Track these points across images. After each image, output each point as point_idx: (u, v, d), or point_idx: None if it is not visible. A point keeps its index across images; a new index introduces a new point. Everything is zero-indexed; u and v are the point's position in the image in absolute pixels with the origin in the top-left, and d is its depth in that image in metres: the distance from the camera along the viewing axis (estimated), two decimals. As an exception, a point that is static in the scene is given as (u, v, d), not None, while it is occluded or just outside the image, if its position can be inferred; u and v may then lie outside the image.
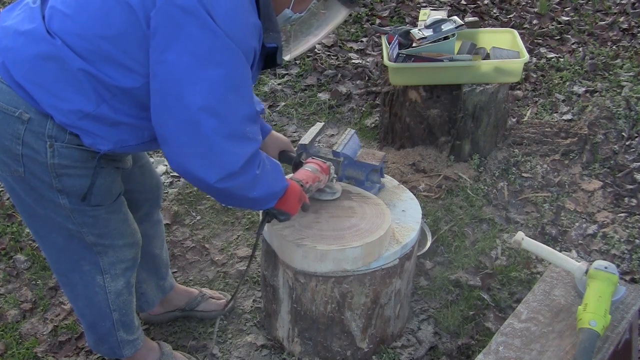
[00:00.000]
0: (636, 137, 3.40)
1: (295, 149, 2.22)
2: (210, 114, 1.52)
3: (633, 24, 4.69)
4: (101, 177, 1.70)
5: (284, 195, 1.79)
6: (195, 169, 1.57)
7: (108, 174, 1.74)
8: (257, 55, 1.63)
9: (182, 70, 1.48)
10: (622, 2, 5.00)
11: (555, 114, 3.66)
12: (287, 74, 4.10)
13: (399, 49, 3.04)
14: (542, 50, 4.37)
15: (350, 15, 4.51)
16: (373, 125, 3.62)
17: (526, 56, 3.04)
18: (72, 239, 1.80)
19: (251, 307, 2.50)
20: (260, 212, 1.92)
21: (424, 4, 4.78)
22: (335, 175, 2.12)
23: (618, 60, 4.20)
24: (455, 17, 3.12)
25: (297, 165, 2.13)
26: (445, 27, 3.03)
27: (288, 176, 1.93)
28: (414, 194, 2.33)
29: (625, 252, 2.72)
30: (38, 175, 1.65)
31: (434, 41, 3.01)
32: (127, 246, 1.90)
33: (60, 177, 1.65)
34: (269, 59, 1.70)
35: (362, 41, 4.47)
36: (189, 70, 1.48)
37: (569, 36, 4.56)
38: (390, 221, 2.06)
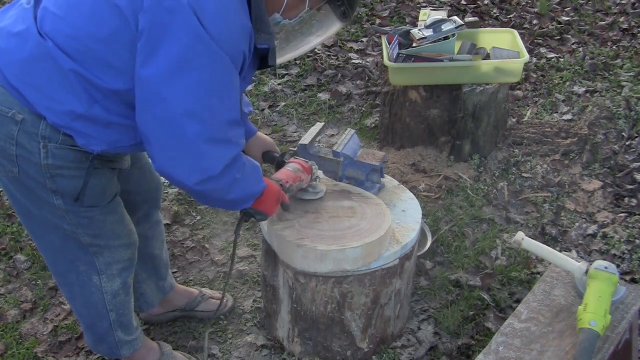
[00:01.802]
0: (636, 137, 3.40)
1: (294, 149, 2.22)
2: (193, 119, 1.51)
3: (633, 24, 4.69)
4: (95, 177, 1.70)
5: (261, 196, 1.79)
6: (175, 170, 1.58)
7: (103, 174, 1.73)
8: (247, 58, 1.61)
9: (165, 74, 1.47)
10: (622, 2, 5.00)
11: (555, 114, 3.66)
12: (287, 74, 4.10)
13: (399, 49, 3.04)
14: (542, 50, 4.37)
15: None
16: (373, 125, 3.62)
17: (526, 56, 3.03)
18: (68, 240, 1.80)
19: (251, 307, 2.49)
20: (238, 211, 1.91)
21: (424, 4, 4.79)
22: (318, 175, 2.12)
23: (618, 60, 4.20)
24: (455, 17, 3.12)
25: (279, 164, 2.12)
26: (445, 27, 3.02)
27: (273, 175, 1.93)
28: (414, 194, 2.33)
29: (625, 252, 2.72)
30: (32, 175, 1.64)
31: (434, 41, 3.00)
32: (123, 247, 1.89)
33: (54, 178, 1.64)
34: (264, 59, 1.69)
35: (362, 41, 4.47)
36: (172, 74, 1.47)
37: (569, 36, 4.56)
38: (390, 221, 2.06)
